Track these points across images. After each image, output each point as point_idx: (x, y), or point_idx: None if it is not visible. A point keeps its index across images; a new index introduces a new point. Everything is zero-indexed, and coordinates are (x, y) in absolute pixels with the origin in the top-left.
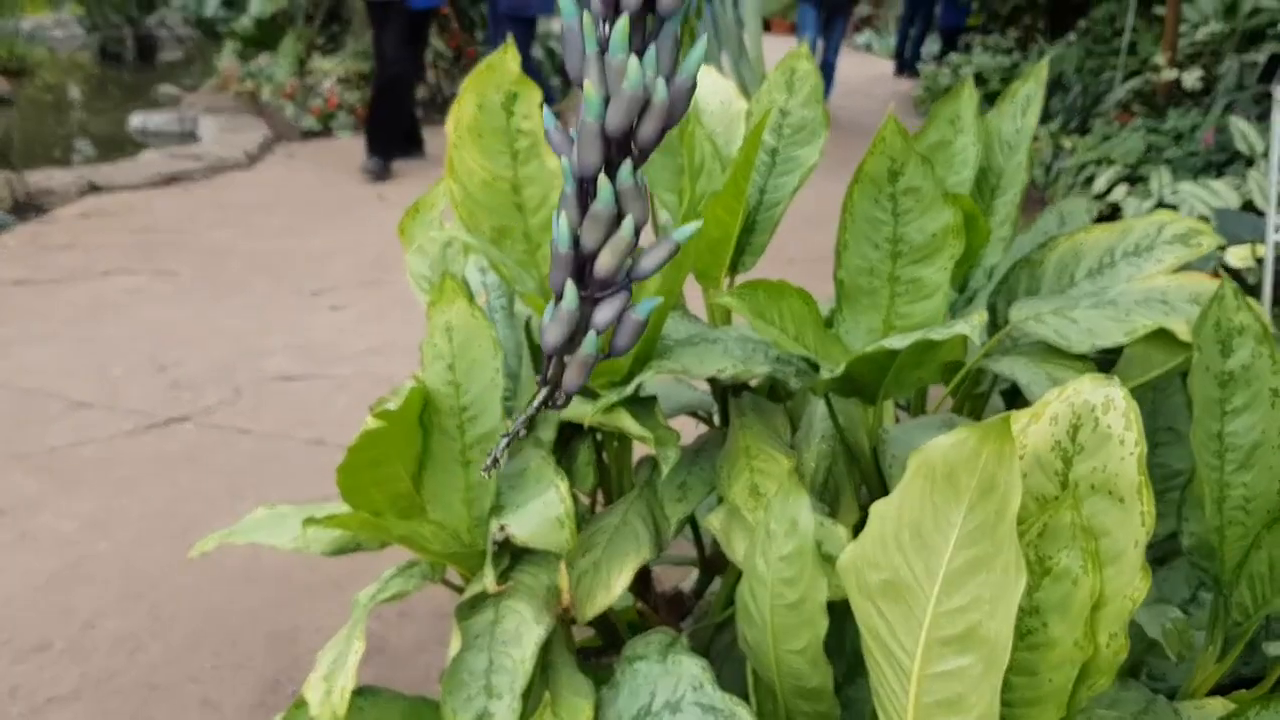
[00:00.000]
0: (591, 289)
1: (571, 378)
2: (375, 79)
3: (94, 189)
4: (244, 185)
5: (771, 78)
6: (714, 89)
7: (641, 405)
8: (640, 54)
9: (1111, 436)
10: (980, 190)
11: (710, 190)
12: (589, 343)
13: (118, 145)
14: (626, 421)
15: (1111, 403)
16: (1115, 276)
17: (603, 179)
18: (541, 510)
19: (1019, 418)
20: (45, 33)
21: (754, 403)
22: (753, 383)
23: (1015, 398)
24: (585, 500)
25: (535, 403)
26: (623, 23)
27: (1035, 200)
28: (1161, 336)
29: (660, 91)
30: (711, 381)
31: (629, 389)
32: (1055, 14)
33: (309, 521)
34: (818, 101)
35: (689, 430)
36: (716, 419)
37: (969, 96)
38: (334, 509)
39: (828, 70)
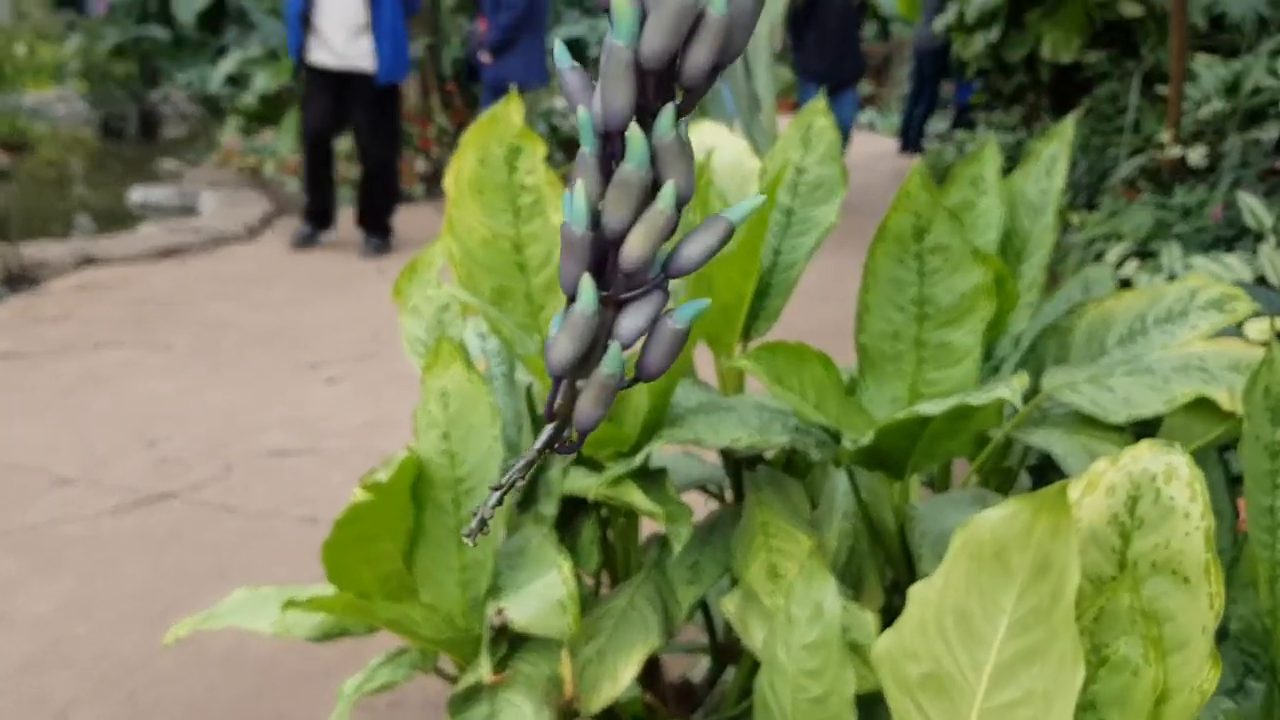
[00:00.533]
0: (616, 287)
1: (586, 409)
2: (361, 162)
3: (89, 261)
4: (243, 258)
5: (787, 133)
6: (726, 146)
7: (650, 478)
8: None
9: (1175, 509)
10: (1005, 254)
11: (722, 251)
12: (611, 359)
13: (117, 219)
14: (635, 496)
15: (1174, 472)
16: (1148, 344)
17: (634, 130)
18: (542, 593)
19: (1072, 488)
20: (48, 108)
21: (770, 477)
22: (768, 455)
23: (1044, 474)
24: (589, 581)
25: (539, 441)
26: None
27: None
28: (1202, 405)
29: (717, 1)
30: (724, 454)
31: (637, 460)
32: (1059, 92)
33: (290, 605)
34: (835, 158)
35: (699, 507)
36: (729, 495)
37: (991, 156)
38: (317, 591)
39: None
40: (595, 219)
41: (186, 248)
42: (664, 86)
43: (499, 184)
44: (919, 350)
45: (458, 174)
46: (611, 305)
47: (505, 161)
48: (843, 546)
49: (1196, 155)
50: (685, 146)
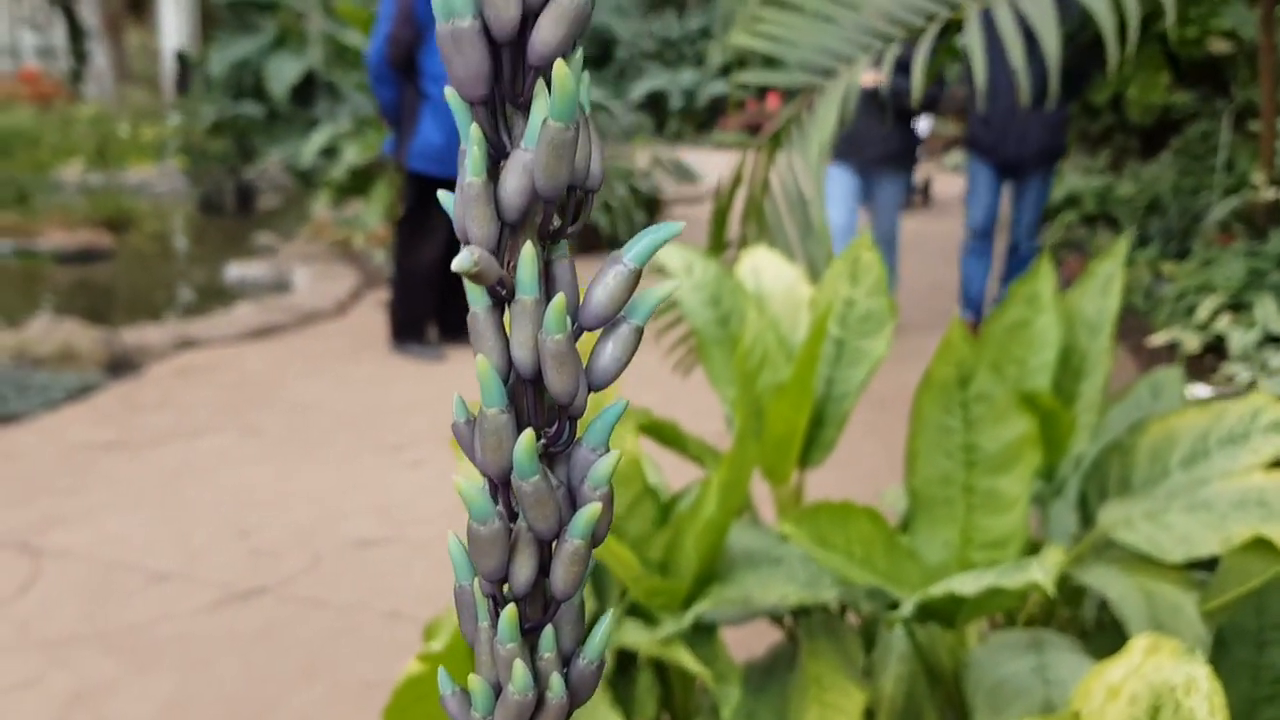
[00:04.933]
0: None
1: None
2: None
3: (187, 344)
4: (333, 335)
5: (835, 267)
6: (778, 275)
7: (702, 634)
8: (536, 631)
9: None
10: (1064, 371)
11: (774, 381)
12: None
13: (215, 295)
14: (684, 657)
15: (1194, 684)
16: (1210, 467)
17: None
18: None
19: (1092, 695)
20: (150, 185)
21: (825, 623)
22: None
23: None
24: None
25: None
26: (510, 612)
27: (1135, 329)
28: (1260, 544)
29: (556, 688)
30: None
31: (687, 620)
32: (1147, 133)
33: None
34: (883, 291)
35: (765, 635)
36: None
37: (1046, 275)
38: None
39: (885, 247)
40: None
41: (279, 326)
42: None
43: None
44: (968, 496)
45: None
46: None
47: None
48: (899, 692)
49: None
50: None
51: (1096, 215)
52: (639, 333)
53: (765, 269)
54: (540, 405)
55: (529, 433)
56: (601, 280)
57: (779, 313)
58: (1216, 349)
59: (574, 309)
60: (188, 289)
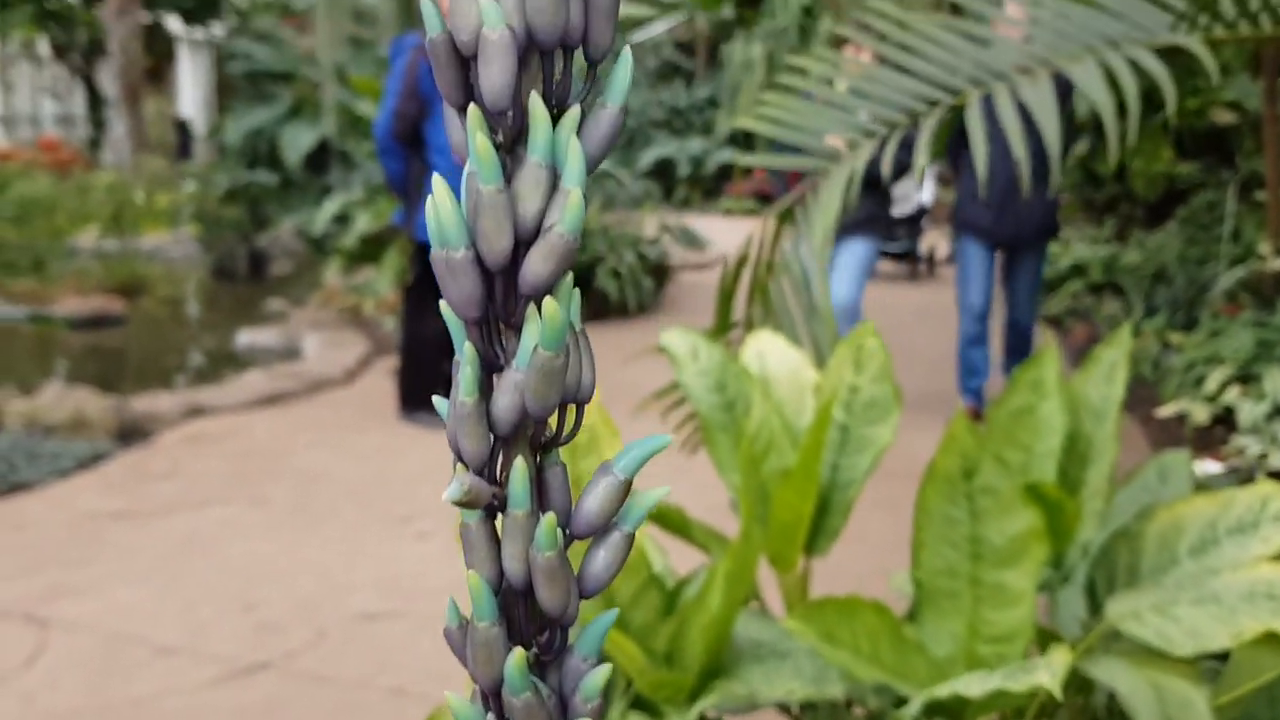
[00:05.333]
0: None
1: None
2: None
3: (197, 412)
4: (342, 403)
5: (839, 353)
6: (782, 358)
7: None
8: None
9: None
10: (1069, 458)
11: (780, 467)
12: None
13: (226, 361)
14: None
15: None
16: (1219, 556)
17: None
18: None
19: None
20: (164, 251)
21: (832, 717)
22: None
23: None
24: None
25: None
26: None
27: (1143, 400)
28: (1272, 638)
29: None
30: None
31: (692, 715)
32: (1153, 203)
33: None
34: (888, 378)
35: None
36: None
37: (1050, 360)
38: None
39: (843, 317)
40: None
41: (288, 394)
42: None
43: None
44: (975, 589)
45: None
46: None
47: None
48: None
49: None
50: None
51: (1102, 284)
52: (630, 539)
53: (770, 353)
54: (532, 615)
55: (519, 651)
56: (593, 490)
57: (784, 397)
58: (1226, 420)
59: (565, 516)
60: (199, 354)
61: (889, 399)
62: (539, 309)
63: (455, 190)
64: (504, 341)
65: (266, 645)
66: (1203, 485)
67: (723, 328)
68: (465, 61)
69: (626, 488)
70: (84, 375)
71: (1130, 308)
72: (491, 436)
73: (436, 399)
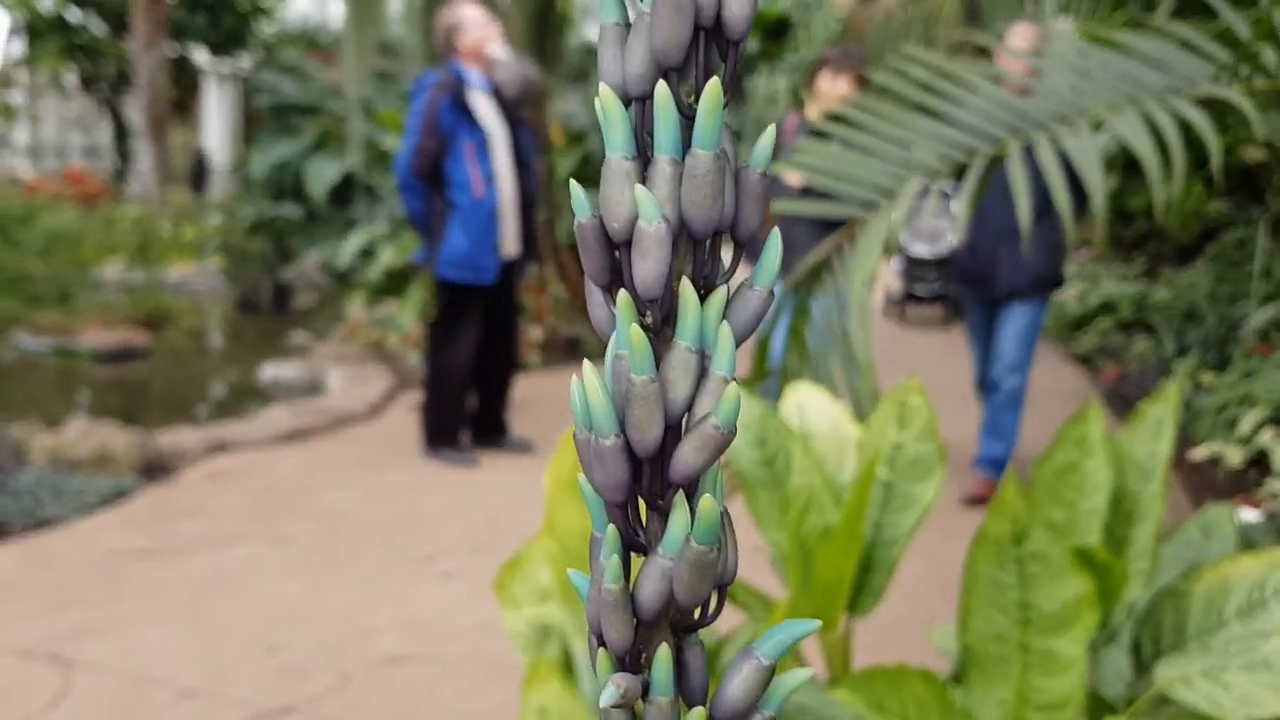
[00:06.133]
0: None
1: None
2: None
3: (221, 447)
4: (365, 439)
5: (883, 409)
6: (823, 412)
7: None
8: None
9: None
10: (1115, 515)
11: (821, 525)
12: None
13: (250, 394)
14: None
15: None
16: (1268, 619)
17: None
18: None
19: None
20: (189, 283)
21: None
22: None
23: None
24: None
25: None
26: None
27: (1177, 441)
28: None
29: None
30: None
31: None
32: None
33: None
34: (932, 435)
35: None
36: None
37: (1095, 418)
38: None
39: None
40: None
41: (312, 429)
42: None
43: None
44: (1024, 655)
45: (557, 474)
46: None
47: None
48: None
49: None
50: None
51: (1132, 322)
52: None
53: (810, 405)
54: None
55: None
56: (736, 676)
57: (824, 452)
58: (1260, 463)
59: (702, 695)
60: (223, 388)
61: (933, 457)
62: (687, 495)
63: (472, 229)
64: (646, 522)
65: (289, 689)
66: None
67: (759, 375)
68: (613, 244)
69: (770, 673)
70: (108, 409)
71: (1161, 346)
72: (635, 622)
73: (575, 576)
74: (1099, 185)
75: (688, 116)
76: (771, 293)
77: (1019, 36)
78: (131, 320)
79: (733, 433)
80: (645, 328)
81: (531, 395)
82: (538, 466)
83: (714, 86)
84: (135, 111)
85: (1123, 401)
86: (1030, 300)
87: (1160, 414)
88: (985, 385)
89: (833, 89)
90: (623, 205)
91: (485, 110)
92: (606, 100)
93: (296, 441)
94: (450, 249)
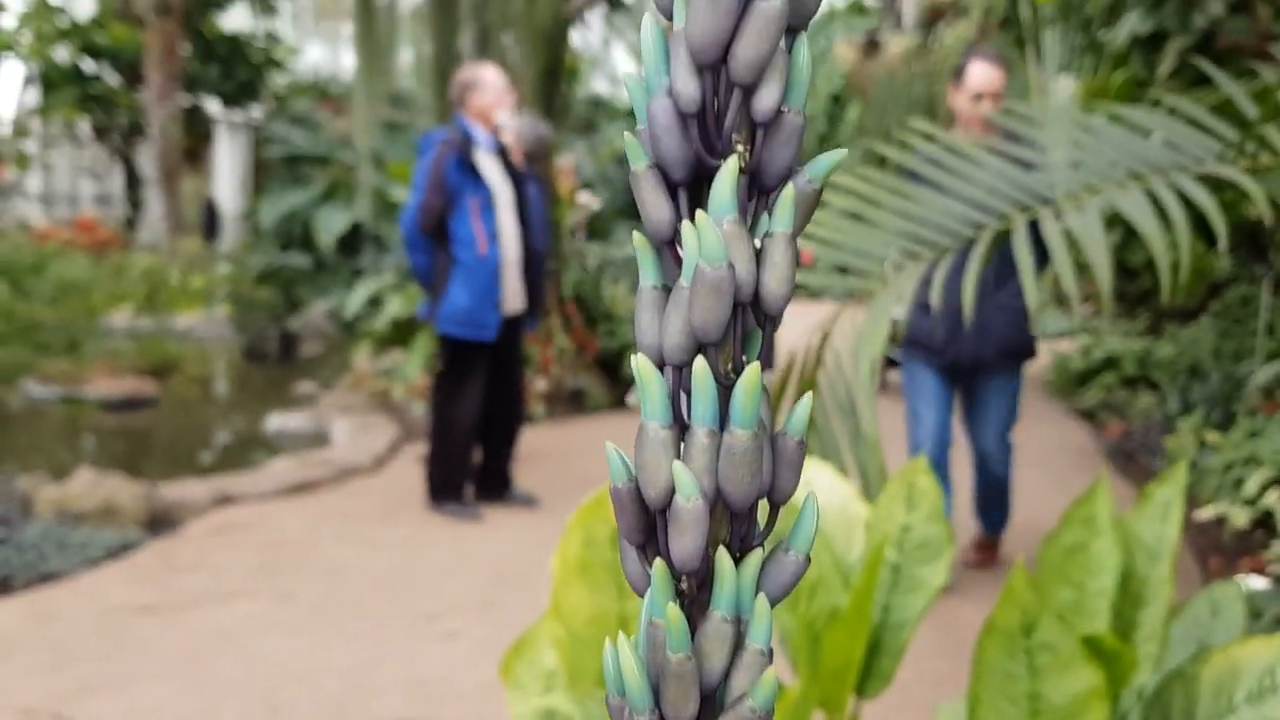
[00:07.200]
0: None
1: None
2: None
3: (226, 500)
4: (369, 492)
5: (890, 490)
6: (830, 490)
7: None
8: None
9: None
10: (1123, 597)
11: (829, 606)
12: None
13: (255, 444)
14: None
15: None
16: (1278, 704)
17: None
18: None
19: None
20: (197, 331)
21: None
22: None
23: None
24: None
25: None
26: None
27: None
28: None
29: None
30: None
31: None
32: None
33: None
34: (940, 518)
35: None
36: None
37: (1103, 497)
38: None
39: None
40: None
41: (316, 482)
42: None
43: (604, 563)
44: None
45: (564, 557)
46: None
47: (610, 542)
48: None
49: None
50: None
51: (1136, 378)
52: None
53: (818, 482)
54: None
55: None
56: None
57: (832, 531)
58: (1266, 524)
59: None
60: (229, 437)
61: (941, 539)
62: None
63: (474, 286)
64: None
65: None
66: (1250, 602)
67: None
68: (648, 508)
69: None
70: (115, 457)
71: (1165, 402)
72: None
73: None
74: (1105, 264)
75: (725, 386)
76: (808, 557)
77: (978, 78)
78: (138, 369)
79: (770, 716)
80: (680, 593)
81: (537, 448)
82: (543, 521)
83: (753, 371)
84: (147, 161)
85: (1127, 458)
86: (1000, 376)
87: (1167, 496)
88: (941, 467)
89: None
90: (660, 475)
91: (490, 168)
92: (643, 370)
93: (301, 494)
94: (452, 305)
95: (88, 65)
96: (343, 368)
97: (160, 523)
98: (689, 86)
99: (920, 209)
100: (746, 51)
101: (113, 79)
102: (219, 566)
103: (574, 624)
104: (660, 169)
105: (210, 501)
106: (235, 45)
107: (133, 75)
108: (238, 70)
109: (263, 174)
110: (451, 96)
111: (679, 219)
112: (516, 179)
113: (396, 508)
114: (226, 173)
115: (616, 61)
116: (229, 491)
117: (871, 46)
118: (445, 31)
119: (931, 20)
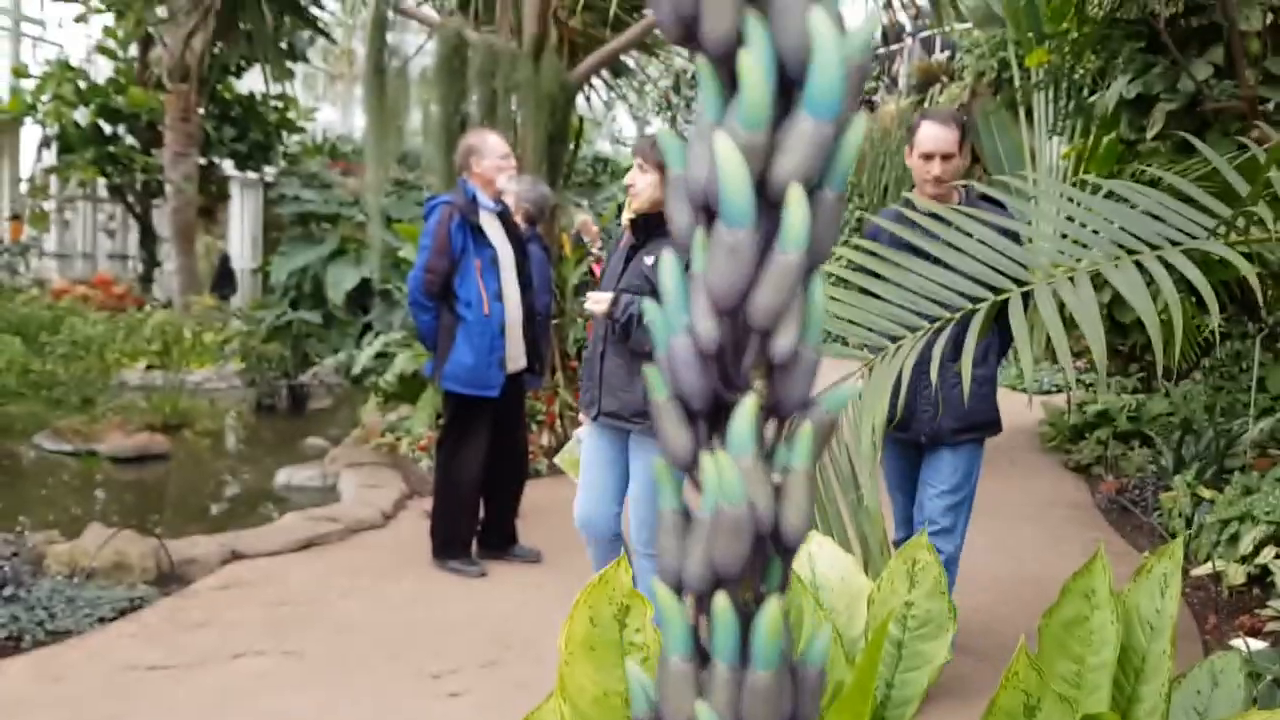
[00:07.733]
0: None
1: None
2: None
3: (235, 557)
4: (377, 547)
5: (893, 566)
6: (833, 563)
7: None
8: None
9: None
10: (1124, 671)
11: (833, 682)
12: None
13: (265, 498)
14: None
15: None
16: None
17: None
18: None
19: None
20: (208, 386)
21: None
22: None
23: None
24: None
25: None
26: None
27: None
28: None
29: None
30: None
31: None
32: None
33: None
34: (942, 594)
35: None
36: None
37: (1102, 570)
38: None
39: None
40: None
41: (325, 538)
42: None
43: (610, 641)
44: None
45: (570, 635)
46: None
47: (616, 619)
48: None
49: None
50: None
51: (1130, 433)
52: None
53: (820, 556)
54: None
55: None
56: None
57: (835, 604)
58: (1262, 580)
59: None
60: (239, 491)
61: (943, 615)
62: None
63: (477, 345)
64: None
65: None
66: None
67: None
68: None
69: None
70: (126, 512)
71: (1159, 458)
72: None
73: None
74: (1100, 338)
75: (745, 616)
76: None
77: (927, 139)
78: (150, 424)
79: None
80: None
81: (541, 503)
82: (546, 577)
83: (774, 610)
84: (163, 219)
85: (1122, 511)
86: (958, 447)
87: (1165, 570)
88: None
89: None
90: (682, 712)
91: (493, 230)
92: (664, 602)
93: (309, 550)
94: (457, 363)
95: (105, 126)
96: (351, 422)
97: (170, 579)
98: (708, 329)
99: (915, 280)
100: (765, 300)
101: (130, 139)
102: (228, 624)
103: (580, 703)
104: (680, 399)
105: (220, 558)
106: (250, 107)
107: (150, 136)
108: (252, 131)
109: (275, 231)
110: (456, 161)
111: (698, 447)
112: (518, 240)
113: (403, 563)
114: (240, 228)
115: (620, 122)
116: (238, 548)
117: (867, 107)
118: (452, 96)
119: (926, 83)
